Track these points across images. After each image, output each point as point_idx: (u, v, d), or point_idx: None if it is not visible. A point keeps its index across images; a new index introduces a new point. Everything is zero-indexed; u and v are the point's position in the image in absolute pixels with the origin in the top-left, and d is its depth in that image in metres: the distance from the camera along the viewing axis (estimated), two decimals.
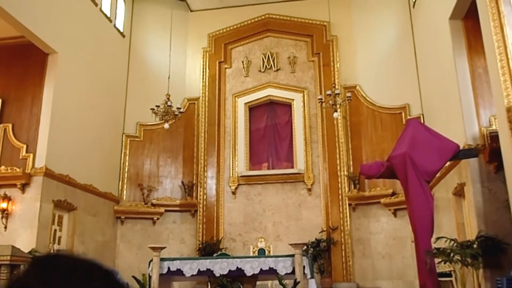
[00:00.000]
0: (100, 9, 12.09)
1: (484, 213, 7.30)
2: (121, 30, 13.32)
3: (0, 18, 8.52)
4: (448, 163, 7.89)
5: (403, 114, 11.91)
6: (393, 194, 11.42)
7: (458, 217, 8.39)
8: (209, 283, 7.98)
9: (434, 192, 8.79)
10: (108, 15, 12.53)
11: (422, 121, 11.09)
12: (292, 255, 7.22)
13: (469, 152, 7.50)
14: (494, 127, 7.38)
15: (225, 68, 13.79)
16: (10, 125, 9.96)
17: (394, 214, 11.46)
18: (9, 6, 8.39)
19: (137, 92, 13.42)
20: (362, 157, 12.13)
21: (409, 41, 12.19)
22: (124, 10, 13.59)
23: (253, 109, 13.54)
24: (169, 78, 11.17)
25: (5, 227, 9.12)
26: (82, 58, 11.13)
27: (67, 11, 10.53)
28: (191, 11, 14.22)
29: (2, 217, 9.11)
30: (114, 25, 12.91)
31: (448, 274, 7.67)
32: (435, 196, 8.36)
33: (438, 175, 8.22)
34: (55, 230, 9.91)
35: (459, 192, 8.28)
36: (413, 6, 11.91)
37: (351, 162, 12.19)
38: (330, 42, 13.11)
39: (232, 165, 12.87)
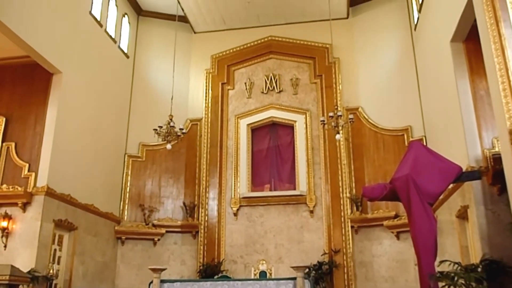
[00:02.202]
0: (105, 30, 12.22)
1: (488, 236, 7.22)
2: (125, 51, 13.44)
3: (6, 38, 8.61)
4: (451, 185, 7.84)
5: (405, 136, 11.91)
6: (396, 216, 11.35)
7: (462, 240, 8.30)
8: None
9: (437, 214, 8.73)
10: (113, 36, 12.66)
11: (424, 143, 11.11)
12: (294, 278, 7.15)
13: (472, 174, 7.46)
14: (497, 149, 7.35)
15: (228, 90, 13.85)
16: (13, 144, 9.99)
17: (397, 236, 11.37)
18: (15, 26, 8.48)
19: (140, 112, 13.48)
20: (364, 179, 12.10)
21: (411, 63, 12.27)
22: (129, 31, 13.74)
23: (256, 131, 13.55)
24: (172, 98, 11.20)
25: (5, 246, 9.06)
26: (86, 78, 11.21)
27: (72, 31, 10.64)
28: (195, 33, 14.36)
29: (2, 236, 9.07)
30: (119, 46, 13.04)
31: None
32: (438, 218, 8.31)
33: (441, 197, 8.16)
34: (55, 250, 9.84)
35: (462, 215, 8.21)
36: (415, 29, 12.02)
37: (353, 184, 12.15)
38: (332, 64, 13.19)
39: (234, 186, 12.83)
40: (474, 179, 7.43)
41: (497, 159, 7.04)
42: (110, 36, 12.52)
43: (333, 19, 12.26)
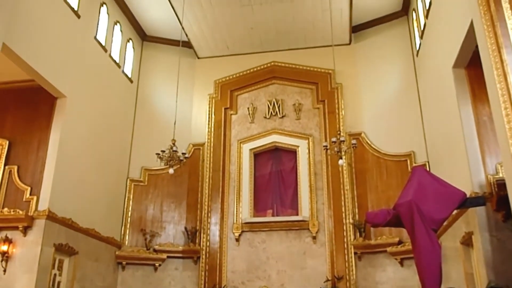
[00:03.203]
0: (110, 55, 12.35)
1: (493, 263, 7.12)
2: (129, 76, 13.55)
3: (11, 62, 8.67)
4: (455, 211, 7.78)
5: (408, 161, 11.89)
6: (400, 242, 11.23)
7: (467, 267, 8.19)
8: None
9: (441, 241, 8.63)
10: (117, 61, 12.78)
11: (427, 168, 11.07)
12: None
13: (476, 200, 7.40)
14: (500, 175, 7.31)
15: (231, 114, 13.89)
16: (15, 167, 9.98)
17: (401, 263, 11.23)
18: (20, 50, 8.57)
19: (143, 136, 13.52)
20: (367, 204, 12.01)
21: (413, 89, 12.33)
22: (133, 56, 13.88)
23: (258, 156, 13.53)
24: (175, 123, 11.22)
25: (4, 271, 8.97)
26: (90, 102, 11.27)
27: (77, 56, 10.75)
28: (198, 58, 14.49)
29: (2, 260, 8.98)
30: (123, 71, 13.15)
31: None
32: (443, 245, 8.22)
33: (445, 223, 8.09)
34: (55, 275, 9.73)
35: (467, 241, 8.12)
36: (417, 55, 12.11)
37: (356, 210, 12.06)
38: (335, 90, 13.24)
39: (236, 211, 12.75)
40: (479, 205, 7.37)
41: (501, 185, 7.00)
42: (115, 61, 12.64)
43: (335, 45, 12.36)
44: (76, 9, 10.73)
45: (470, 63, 8.15)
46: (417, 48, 11.99)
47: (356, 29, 13.64)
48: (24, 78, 9.76)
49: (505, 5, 5.79)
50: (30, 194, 9.64)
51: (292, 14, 12.65)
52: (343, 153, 10.05)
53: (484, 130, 7.91)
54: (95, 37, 11.60)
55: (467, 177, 7.83)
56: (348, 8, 12.27)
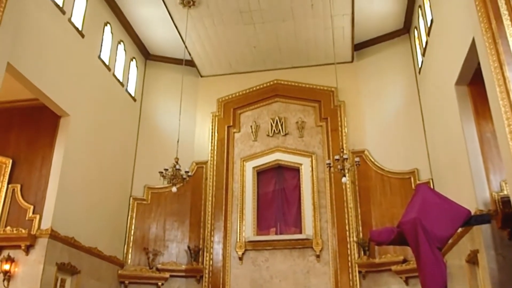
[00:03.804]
0: (113, 74, 12.43)
1: (500, 281, 7.04)
2: (133, 94, 13.62)
3: (15, 80, 8.72)
4: (460, 229, 7.71)
5: (412, 179, 11.83)
6: (404, 261, 11.12)
7: (473, 285, 8.09)
8: None
9: (446, 259, 8.55)
10: (121, 80, 12.86)
11: (431, 186, 11.02)
12: None
13: (481, 218, 7.34)
14: (505, 192, 7.27)
15: (234, 133, 13.90)
16: (18, 186, 10.00)
17: (406, 282, 11.09)
18: (24, 69, 8.64)
19: (146, 155, 13.53)
20: (371, 222, 11.93)
21: (416, 106, 12.35)
22: (136, 75, 13.97)
23: (261, 174, 13.50)
24: (178, 141, 11.24)
25: None
26: (93, 121, 11.31)
27: (81, 75, 10.82)
28: (201, 76, 14.56)
29: (4, 280, 8.92)
30: (126, 89, 13.22)
31: None
32: (448, 263, 8.13)
33: (450, 241, 8.02)
34: None
35: (472, 260, 8.03)
36: (419, 72, 12.15)
37: (360, 228, 11.97)
38: (338, 108, 13.26)
39: (239, 230, 12.67)
40: (483, 223, 7.31)
41: (506, 202, 6.96)
42: (118, 80, 12.71)
43: (338, 63, 12.41)
44: (80, 28, 10.84)
45: (473, 80, 8.16)
46: (419, 66, 12.03)
47: (358, 47, 13.71)
48: (28, 97, 9.84)
49: (507, 22, 5.82)
50: (33, 213, 9.64)
51: (295, 33, 12.74)
52: (346, 170, 10.01)
53: (488, 147, 7.89)
54: (99, 56, 11.69)
55: (472, 195, 7.79)
56: (350, 26, 12.35)
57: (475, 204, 7.59)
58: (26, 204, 9.78)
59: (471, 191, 7.82)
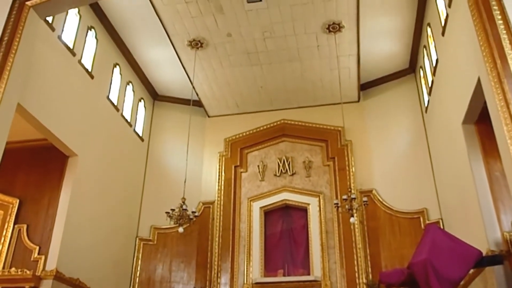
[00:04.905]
0: (121, 114, 12.55)
1: None
2: (140, 134, 13.71)
3: (24, 121, 8.81)
4: (471, 270, 7.55)
5: (421, 219, 11.67)
6: None
7: None
8: None
9: None
10: (129, 120, 12.97)
11: (441, 226, 10.86)
12: None
13: (492, 259, 7.20)
14: None
15: (241, 172, 13.88)
16: (25, 226, 9.96)
17: None
18: (34, 110, 8.74)
19: (153, 195, 13.50)
20: (381, 263, 11.70)
21: (424, 145, 12.31)
22: (144, 115, 14.10)
23: (269, 214, 13.39)
24: (185, 181, 11.23)
25: None
26: (101, 161, 11.35)
27: (89, 115, 10.93)
28: (209, 116, 14.68)
29: None
30: (134, 130, 13.32)
31: None
32: None
33: (461, 283, 7.82)
34: None
35: None
36: (425, 111, 12.17)
37: (369, 269, 11.74)
38: (345, 147, 13.25)
39: (247, 271, 12.47)
40: (496, 264, 7.16)
41: None
42: (126, 120, 12.83)
43: (344, 103, 12.50)
44: (90, 70, 11.03)
45: (480, 119, 8.15)
46: (426, 105, 12.07)
47: (365, 86, 13.82)
48: (37, 137, 9.91)
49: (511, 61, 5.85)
50: (38, 254, 9.55)
51: (301, 73, 12.89)
52: (354, 210, 9.94)
53: (497, 186, 7.80)
54: (107, 97, 11.84)
55: (482, 235, 7.65)
56: (356, 67, 12.50)
57: (486, 245, 7.45)
58: (31, 244, 9.72)
59: (482, 231, 7.68)
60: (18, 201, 10.29)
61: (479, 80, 6.92)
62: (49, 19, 9.37)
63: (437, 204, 11.54)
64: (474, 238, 7.67)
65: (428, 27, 11.00)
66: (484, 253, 7.09)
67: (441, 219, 11.24)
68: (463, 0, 6.23)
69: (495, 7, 5.94)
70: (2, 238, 9.85)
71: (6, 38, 7.49)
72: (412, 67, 13.23)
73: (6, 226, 10.00)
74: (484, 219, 7.70)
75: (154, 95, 14.66)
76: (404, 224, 11.92)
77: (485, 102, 6.71)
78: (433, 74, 10.75)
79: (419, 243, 7.63)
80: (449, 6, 8.72)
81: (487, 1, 6.06)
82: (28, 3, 7.81)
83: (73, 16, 10.51)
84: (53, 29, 9.57)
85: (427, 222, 11.30)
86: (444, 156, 10.66)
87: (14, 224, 10.03)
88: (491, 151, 7.94)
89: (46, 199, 10.27)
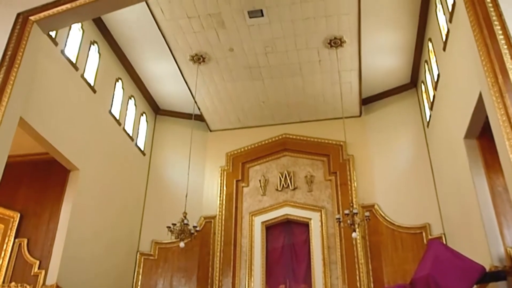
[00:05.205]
0: (123, 128, 12.56)
1: None
2: (142, 149, 13.71)
3: (26, 134, 8.82)
4: (475, 286, 7.47)
5: (423, 234, 11.60)
6: None
7: None
8: None
9: None
10: (131, 134, 12.98)
11: (444, 241, 10.79)
12: None
13: (496, 275, 7.12)
14: None
15: (242, 187, 13.86)
16: (25, 240, 9.92)
17: None
18: (36, 124, 8.74)
19: (154, 209, 13.46)
20: (383, 279, 11.61)
21: (426, 160, 12.28)
22: (146, 129, 14.11)
23: (270, 228, 13.33)
24: (186, 196, 11.21)
25: None
26: (102, 175, 11.34)
27: (91, 129, 10.95)
28: (211, 131, 14.70)
29: None
30: (136, 144, 13.32)
31: None
32: None
33: None
34: None
35: None
36: (427, 126, 12.17)
37: (372, 285, 11.65)
38: (347, 162, 13.24)
39: (248, 286, 12.38)
40: (499, 279, 7.08)
41: None
42: (128, 134, 12.84)
43: (346, 117, 12.52)
44: (92, 84, 11.06)
45: (482, 133, 8.14)
46: (428, 119, 12.08)
47: (366, 101, 13.85)
48: (38, 151, 9.92)
49: None
50: (39, 268, 9.51)
51: (303, 88, 12.93)
52: (356, 225, 9.90)
53: (500, 201, 7.76)
54: (109, 111, 11.86)
55: (486, 250, 7.59)
56: (358, 81, 12.54)
57: (489, 260, 7.39)
58: (32, 259, 9.68)
59: (485, 246, 7.63)
60: (19, 215, 10.27)
61: (480, 95, 6.93)
62: (52, 33, 9.44)
63: (440, 219, 11.49)
64: (477, 254, 7.62)
65: (429, 42, 11.05)
66: (487, 269, 7.02)
67: (444, 234, 11.18)
68: (464, 15, 6.26)
69: (496, 22, 5.96)
70: (3, 252, 9.81)
71: (9, 53, 7.53)
72: (413, 82, 13.26)
73: (6, 240, 9.97)
74: (487, 234, 7.65)
75: (156, 109, 14.69)
76: (406, 239, 11.86)
77: (486, 117, 6.70)
78: (435, 88, 10.77)
79: (421, 259, 7.57)
80: (450, 21, 8.77)
81: (488, 16, 6.09)
82: (31, 18, 7.87)
83: (76, 30, 10.59)
84: (56, 44, 9.63)
85: (430, 237, 11.24)
86: (446, 171, 10.63)
87: (15, 238, 10.00)
88: (493, 165, 7.91)
89: (47, 213, 10.25)
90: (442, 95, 10.28)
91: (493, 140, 6.37)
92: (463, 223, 9.29)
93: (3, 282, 9.41)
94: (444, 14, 9.32)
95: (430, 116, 11.79)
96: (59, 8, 7.82)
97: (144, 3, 9.86)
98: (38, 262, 9.61)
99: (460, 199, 9.39)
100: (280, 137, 14.12)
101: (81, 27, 10.75)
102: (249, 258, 12.72)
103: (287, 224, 13.33)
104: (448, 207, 10.77)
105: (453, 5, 8.36)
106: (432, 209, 11.72)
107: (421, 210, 11.90)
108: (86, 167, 10.55)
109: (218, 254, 12.83)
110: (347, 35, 11.09)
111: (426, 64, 11.68)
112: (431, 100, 11.32)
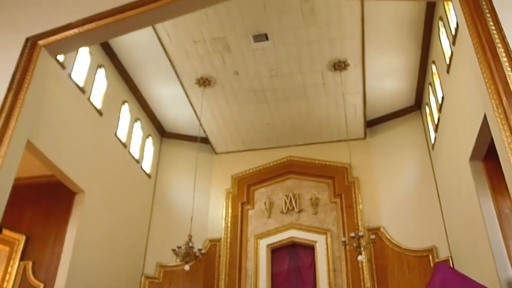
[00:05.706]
0: (129, 151, 12.61)
1: None
2: (148, 171, 13.74)
3: (32, 157, 8.85)
4: None
5: (430, 257, 11.49)
6: None
7: None
8: None
9: None
10: (136, 157, 13.02)
11: (451, 264, 10.68)
12: None
13: None
14: None
15: (248, 209, 13.83)
16: (30, 263, 9.87)
17: None
18: (43, 147, 8.79)
19: (159, 232, 13.41)
20: None
21: (431, 182, 12.23)
22: (152, 152, 14.16)
23: (275, 251, 13.24)
24: (191, 218, 11.19)
25: None
26: (108, 197, 11.35)
27: (98, 152, 10.99)
28: (216, 153, 14.74)
29: None
30: (141, 166, 13.35)
31: None
32: None
33: None
34: None
35: None
36: (432, 148, 12.16)
37: None
38: (352, 184, 13.21)
39: None
40: None
41: None
42: (133, 157, 12.88)
43: (351, 140, 12.54)
44: (99, 107, 11.15)
45: (487, 155, 8.13)
46: (432, 142, 12.08)
47: (371, 123, 13.89)
48: (44, 173, 9.94)
49: None
50: None
51: (307, 111, 13.00)
52: (362, 248, 9.84)
53: (507, 224, 7.72)
54: (115, 134, 11.93)
55: (493, 274, 7.52)
56: (362, 104, 12.60)
57: (498, 284, 7.32)
58: (36, 282, 9.61)
59: (493, 269, 7.55)
60: (24, 237, 10.24)
61: (485, 117, 6.93)
62: (60, 57, 9.56)
63: (446, 242, 11.39)
64: (485, 277, 7.54)
65: (433, 64, 11.12)
66: None
67: (451, 257, 11.06)
68: (467, 38, 6.31)
69: (499, 45, 6.00)
70: (7, 275, 9.76)
71: (17, 76, 7.60)
72: (418, 104, 13.30)
73: (11, 263, 9.92)
74: (495, 257, 7.58)
75: (161, 132, 14.77)
76: (413, 262, 11.74)
77: (492, 139, 6.70)
78: (439, 111, 10.80)
79: (428, 282, 7.49)
80: (454, 44, 8.84)
81: (491, 39, 6.13)
82: (40, 42, 7.96)
83: (83, 54, 10.73)
84: (63, 67, 9.75)
85: (436, 260, 11.13)
86: (452, 193, 10.59)
87: (20, 260, 9.95)
88: (499, 188, 7.89)
89: (52, 235, 10.22)
90: (446, 117, 10.30)
91: (499, 162, 6.36)
92: (470, 245, 9.21)
93: None
94: (448, 37, 9.41)
95: (435, 138, 11.80)
96: (68, 33, 7.91)
97: (150, 27, 10.02)
98: (42, 285, 9.53)
99: (466, 221, 9.33)
100: (285, 159, 14.14)
101: (88, 51, 10.90)
102: (254, 281, 12.62)
103: (293, 247, 13.25)
104: (455, 230, 10.69)
105: (456, 29, 8.45)
106: (439, 231, 11.63)
107: (427, 233, 11.82)
108: (92, 190, 10.57)
109: (223, 277, 12.74)
110: (351, 58, 11.19)
111: (430, 86, 11.74)
112: (436, 122, 11.34)
